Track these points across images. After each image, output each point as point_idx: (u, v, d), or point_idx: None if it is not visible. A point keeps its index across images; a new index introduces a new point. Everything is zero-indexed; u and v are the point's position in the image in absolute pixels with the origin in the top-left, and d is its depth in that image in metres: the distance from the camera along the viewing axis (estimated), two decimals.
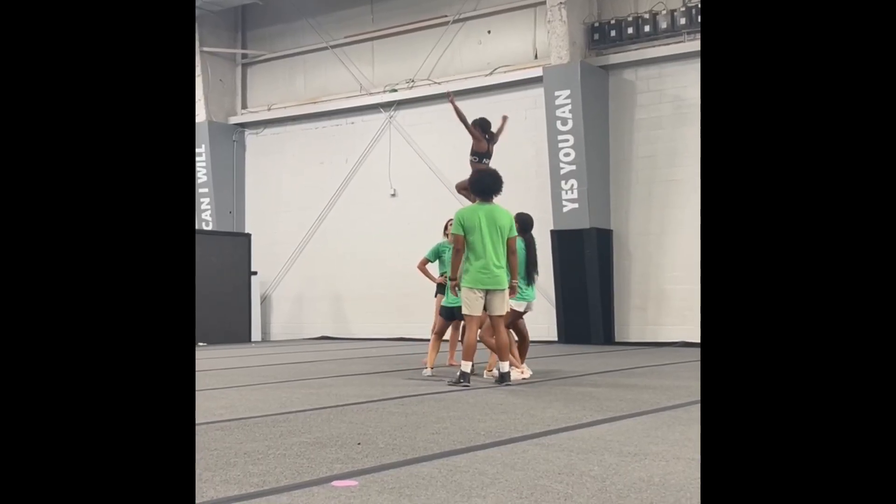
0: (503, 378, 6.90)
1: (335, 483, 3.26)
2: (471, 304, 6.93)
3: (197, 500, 2.98)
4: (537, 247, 7.86)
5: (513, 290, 7.08)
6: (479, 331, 7.18)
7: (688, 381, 7.07)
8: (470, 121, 8.45)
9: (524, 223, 7.66)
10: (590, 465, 3.54)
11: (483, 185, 7.12)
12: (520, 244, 7.40)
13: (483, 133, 8.41)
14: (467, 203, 7.83)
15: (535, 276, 7.72)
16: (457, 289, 7.11)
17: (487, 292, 6.93)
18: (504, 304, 7.00)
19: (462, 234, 6.95)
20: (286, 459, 3.74)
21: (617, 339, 13.08)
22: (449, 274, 7.33)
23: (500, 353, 6.99)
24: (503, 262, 6.97)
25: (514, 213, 7.40)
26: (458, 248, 7.03)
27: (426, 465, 3.60)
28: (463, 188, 8.38)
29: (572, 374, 7.82)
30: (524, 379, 7.35)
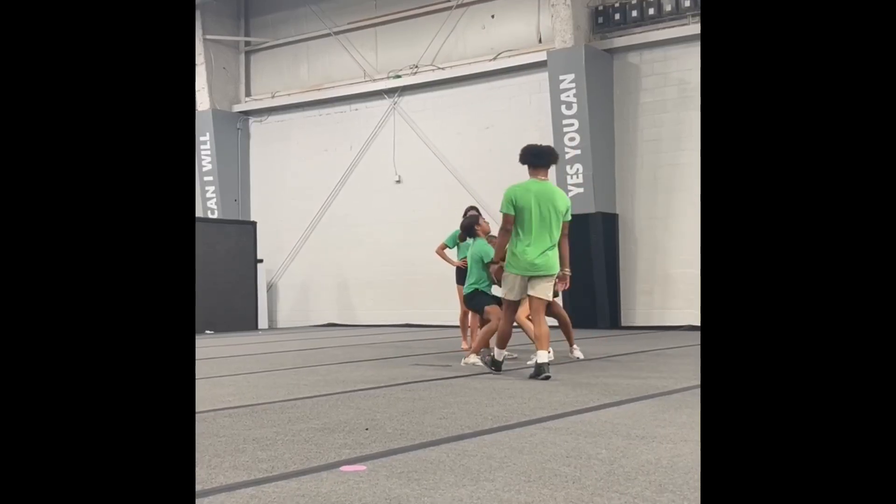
0: (539, 371, 6.11)
1: (343, 468, 3.27)
2: (510, 288, 6.39)
3: (206, 487, 3.00)
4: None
5: (562, 279, 6.53)
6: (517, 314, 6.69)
7: (694, 364, 7.06)
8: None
9: None
10: (597, 449, 3.55)
11: (534, 150, 6.59)
12: None
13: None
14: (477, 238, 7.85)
15: None
16: (501, 272, 6.53)
17: (531, 278, 6.32)
18: (550, 289, 6.42)
19: (512, 213, 6.32)
20: (294, 445, 3.76)
21: (623, 324, 13.08)
22: (493, 257, 6.78)
23: (540, 340, 6.22)
24: (556, 244, 6.35)
25: None
26: (507, 227, 6.39)
27: (434, 449, 3.61)
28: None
29: (579, 359, 7.82)
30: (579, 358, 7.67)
